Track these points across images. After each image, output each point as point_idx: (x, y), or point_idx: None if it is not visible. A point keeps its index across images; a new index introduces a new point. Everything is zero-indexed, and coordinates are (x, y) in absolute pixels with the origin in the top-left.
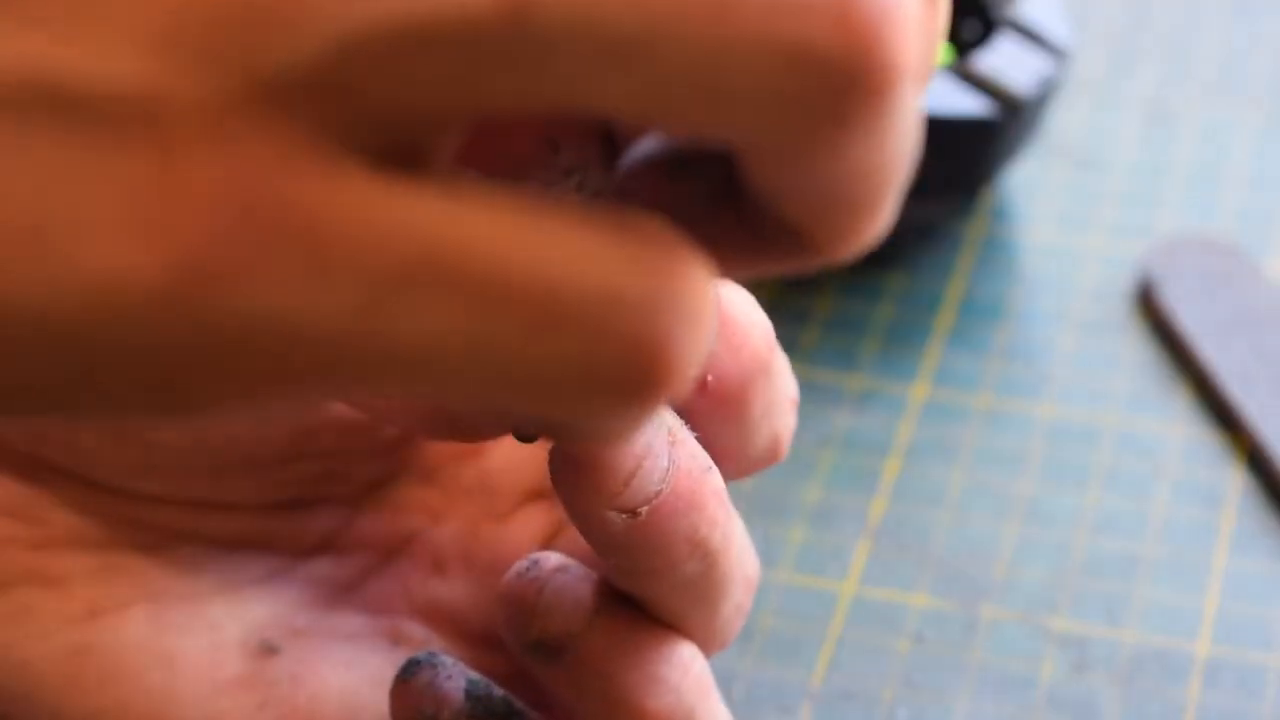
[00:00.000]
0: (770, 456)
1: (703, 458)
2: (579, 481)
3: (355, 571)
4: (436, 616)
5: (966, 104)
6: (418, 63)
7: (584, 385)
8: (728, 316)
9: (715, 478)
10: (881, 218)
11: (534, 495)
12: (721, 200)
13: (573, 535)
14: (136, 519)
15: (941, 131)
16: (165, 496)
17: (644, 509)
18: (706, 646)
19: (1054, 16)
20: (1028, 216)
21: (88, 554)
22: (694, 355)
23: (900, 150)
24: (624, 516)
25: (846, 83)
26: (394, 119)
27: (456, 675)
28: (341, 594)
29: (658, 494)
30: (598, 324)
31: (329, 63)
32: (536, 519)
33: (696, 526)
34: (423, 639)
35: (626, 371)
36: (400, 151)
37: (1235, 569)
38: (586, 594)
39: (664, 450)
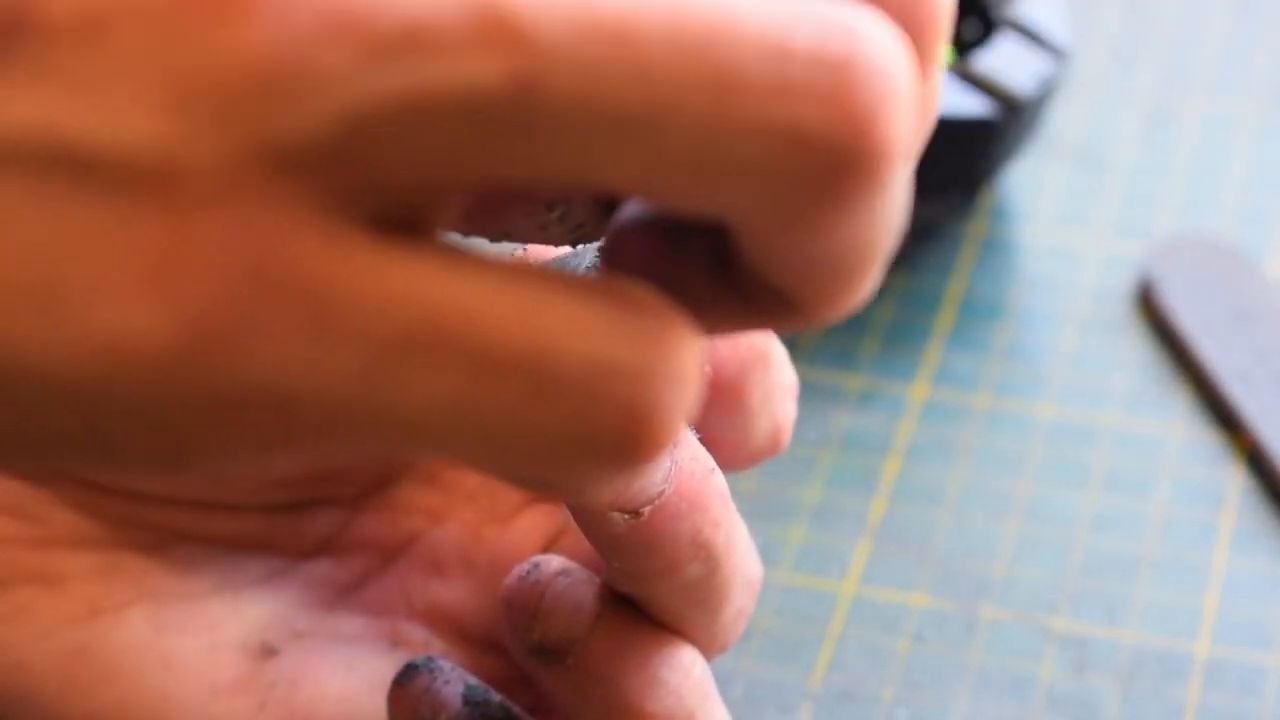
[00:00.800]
0: (772, 446)
1: (705, 459)
2: None
3: (355, 573)
4: (436, 619)
5: (966, 104)
6: (425, 135)
7: (574, 451)
8: None
9: (718, 479)
10: (868, 286)
11: (535, 498)
12: (711, 265)
13: (574, 539)
14: (137, 519)
15: (941, 131)
16: (165, 497)
17: (646, 510)
18: (708, 650)
19: (1054, 16)
20: (1028, 216)
21: (88, 553)
22: (681, 421)
23: (889, 224)
24: (626, 517)
25: (843, 164)
26: (400, 188)
27: (455, 680)
28: (341, 595)
29: (660, 495)
30: (589, 392)
31: (339, 133)
32: (538, 522)
33: (699, 528)
34: (423, 641)
35: (616, 438)
36: (403, 217)
37: (1235, 569)
38: (588, 598)
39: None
